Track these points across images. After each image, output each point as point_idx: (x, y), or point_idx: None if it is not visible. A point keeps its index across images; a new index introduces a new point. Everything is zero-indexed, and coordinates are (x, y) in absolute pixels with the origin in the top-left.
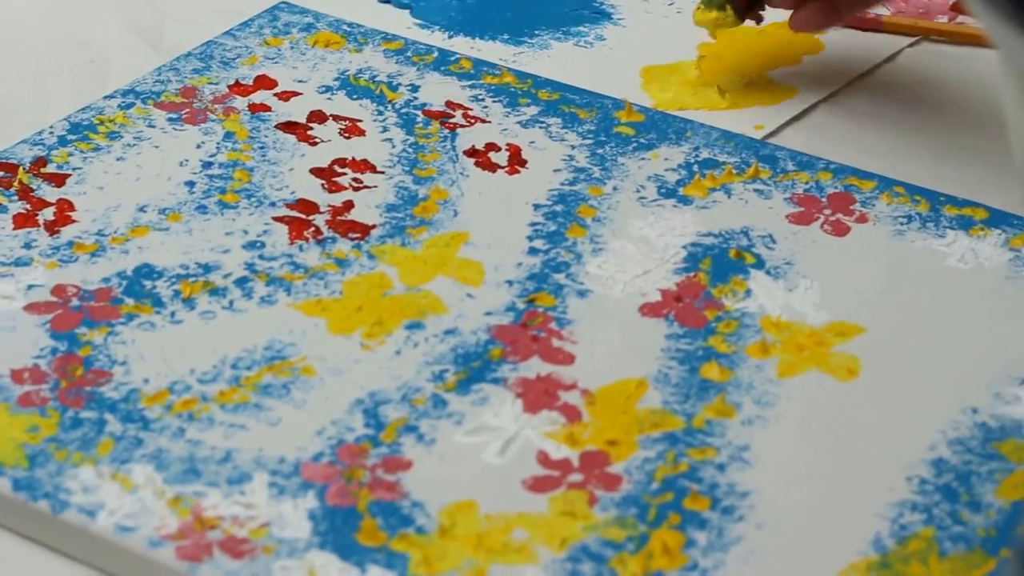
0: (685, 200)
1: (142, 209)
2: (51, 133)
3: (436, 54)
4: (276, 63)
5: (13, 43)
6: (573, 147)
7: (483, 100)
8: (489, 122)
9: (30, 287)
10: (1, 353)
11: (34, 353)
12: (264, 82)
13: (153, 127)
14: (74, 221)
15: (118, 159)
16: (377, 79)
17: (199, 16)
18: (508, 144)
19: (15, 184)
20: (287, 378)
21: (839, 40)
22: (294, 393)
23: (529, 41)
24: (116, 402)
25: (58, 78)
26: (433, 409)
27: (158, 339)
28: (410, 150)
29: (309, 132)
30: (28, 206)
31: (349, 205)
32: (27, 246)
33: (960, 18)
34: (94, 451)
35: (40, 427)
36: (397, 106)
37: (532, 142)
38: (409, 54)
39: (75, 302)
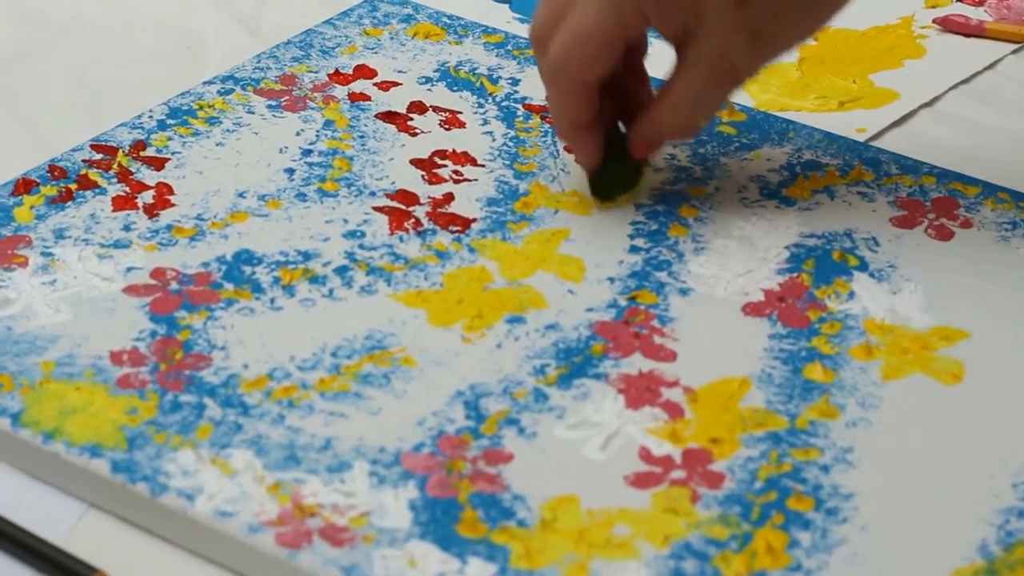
0: (788, 201)
1: (241, 195)
2: (150, 117)
3: None
4: (376, 53)
5: (112, 28)
6: (675, 146)
7: None
8: None
9: (129, 269)
10: (100, 335)
11: (133, 335)
12: (364, 71)
13: (252, 113)
14: (173, 205)
15: (217, 144)
16: (477, 72)
17: (297, 4)
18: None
19: (114, 167)
20: (387, 368)
21: (941, 46)
22: (394, 383)
23: None
24: (215, 387)
25: (156, 63)
26: (534, 403)
27: (257, 325)
28: (511, 144)
29: (409, 123)
30: (127, 189)
31: (449, 197)
32: (126, 228)
33: None
34: (193, 435)
35: (139, 409)
36: (498, 99)
37: None
38: (509, 47)
39: (174, 286)
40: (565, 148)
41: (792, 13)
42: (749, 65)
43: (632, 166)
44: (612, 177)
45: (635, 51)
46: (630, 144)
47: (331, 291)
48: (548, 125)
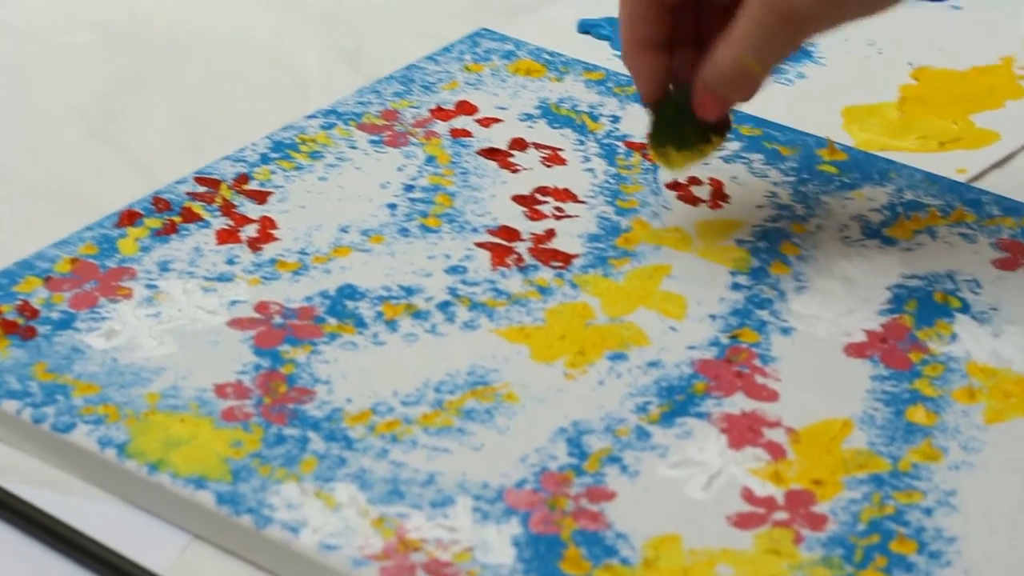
0: (889, 241)
1: (344, 229)
2: (253, 150)
3: None
4: (477, 89)
5: (215, 59)
6: (776, 184)
7: None
8: None
9: (233, 303)
10: (205, 367)
11: (237, 368)
12: (465, 107)
13: (355, 148)
14: (276, 239)
15: (320, 179)
16: (578, 109)
17: (399, 39)
18: (710, 178)
19: (218, 200)
20: (490, 403)
21: None
22: (497, 419)
23: None
24: (319, 420)
25: (258, 95)
26: (637, 441)
27: (361, 359)
28: (612, 181)
29: (510, 159)
30: (231, 222)
31: (551, 233)
32: (230, 262)
33: None
34: (298, 468)
35: (243, 442)
36: (599, 136)
37: (734, 177)
38: (610, 85)
39: (278, 320)
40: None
41: None
42: (808, 18)
43: (696, 126)
44: (670, 127)
45: None
46: (693, 95)
47: (434, 326)
48: (649, 163)
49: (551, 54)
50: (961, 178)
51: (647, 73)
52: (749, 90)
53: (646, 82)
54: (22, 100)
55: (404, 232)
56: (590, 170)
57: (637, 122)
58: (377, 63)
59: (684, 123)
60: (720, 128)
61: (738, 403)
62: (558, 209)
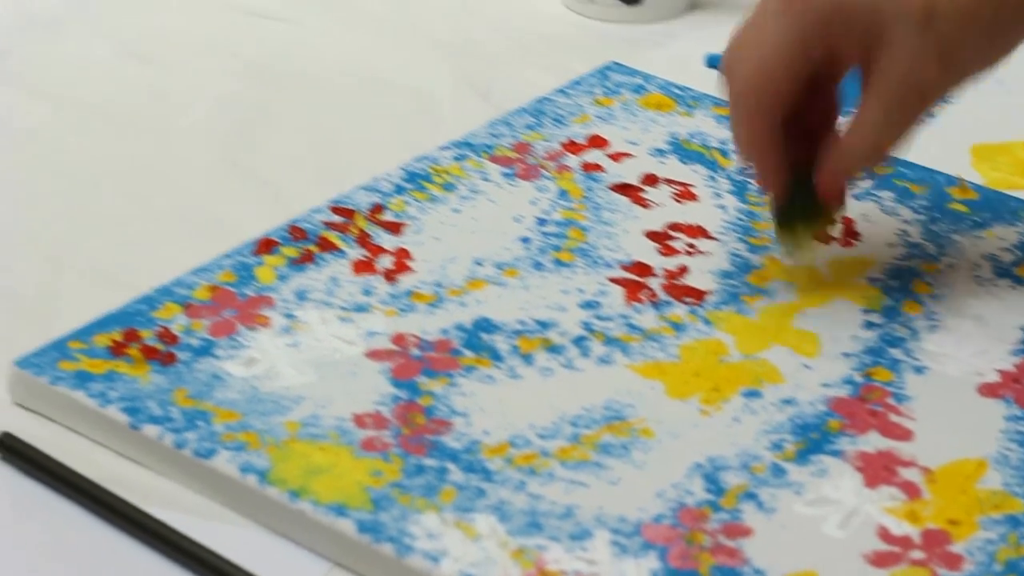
0: (1021, 280)
1: (479, 262)
2: (388, 181)
3: None
4: (607, 123)
5: (346, 89)
6: (906, 222)
7: None
8: None
9: (370, 334)
10: (343, 397)
11: (375, 399)
12: (596, 141)
13: (487, 180)
14: (412, 270)
15: (453, 211)
16: (709, 144)
17: (529, 72)
18: (841, 216)
19: (353, 230)
20: (626, 438)
21: None
22: (633, 454)
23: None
24: (458, 452)
25: (390, 124)
26: (773, 478)
27: (497, 392)
28: (744, 217)
29: (642, 194)
30: (367, 252)
31: (684, 270)
32: (367, 292)
33: None
34: (437, 498)
35: (383, 472)
36: (729, 172)
37: (865, 215)
38: None
39: (415, 351)
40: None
41: (979, 35)
42: (936, 86)
43: (818, 208)
44: (796, 214)
45: (826, 81)
46: (817, 177)
47: (569, 361)
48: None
49: (680, 88)
50: None
51: (771, 169)
52: (879, 162)
53: (772, 177)
54: (160, 129)
55: (538, 266)
56: (722, 206)
57: None
58: (507, 95)
59: (811, 209)
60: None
61: (872, 441)
62: (690, 245)
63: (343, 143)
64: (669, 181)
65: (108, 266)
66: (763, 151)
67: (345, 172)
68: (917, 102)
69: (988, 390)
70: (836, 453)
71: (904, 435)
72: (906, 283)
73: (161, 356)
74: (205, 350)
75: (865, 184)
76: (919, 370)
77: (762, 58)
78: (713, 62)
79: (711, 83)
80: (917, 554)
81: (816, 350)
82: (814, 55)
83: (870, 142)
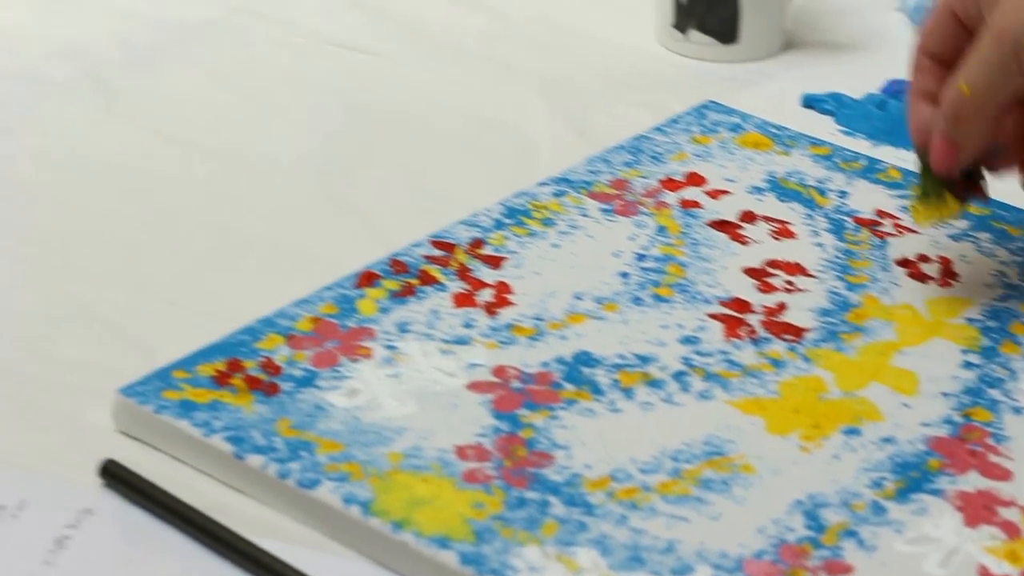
0: None
1: (578, 297)
2: (487, 216)
3: (864, 162)
4: (705, 161)
5: (444, 125)
6: (1004, 263)
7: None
8: (919, 233)
9: (471, 365)
10: (445, 429)
11: (477, 431)
12: (694, 179)
13: (586, 216)
14: (512, 304)
15: (553, 245)
16: (806, 183)
17: (626, 109)
18: (939, 256)
19: (454, 263)
20: (727, 474)
21: None
22: (734, 489)
23: None
24: (559, 485)
25: (488, 160)
26: (873, 516)
27: (598, 426)
28: (841, 256)
29: (740, 231)
30: (467, 286)
31: (782, 307)
32: (467, 325)
33: None
34: (539, 531)
35: (485, 504)
36: (827, 211)
37: (963, 255)
38: (836, 160)
39: (516, 384)
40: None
41: None
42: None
43: (952, 186)
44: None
45: None
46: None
47: (669, 395)
48: (878, 239)
49: (777, 128)
50: None
51: (916, 120)
52: (968, 124)
53: (915, 130)
54: (261, 162)
55: (637, 301)
56: (819, 244)
57: (864, 198)
58: (604, 132)
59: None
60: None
61: (972, 481)
62: (789, 282)
63: (441, 178)
64: (767, 218)
65: (210, 297)
66: (912, 98)
67: (444, 207)
68: (1008, 53)
69: None
70: (936, 492)
71: (1004, 475)
72: (1004, 324)
73: (264, 386)
74: (308, 381)
75: (962, 225)
76: (1018, 411)
77: None
78: (810, 102)
79: (807, 122)
80: None
81: (915, 389)
82: None
83: (954, 91)
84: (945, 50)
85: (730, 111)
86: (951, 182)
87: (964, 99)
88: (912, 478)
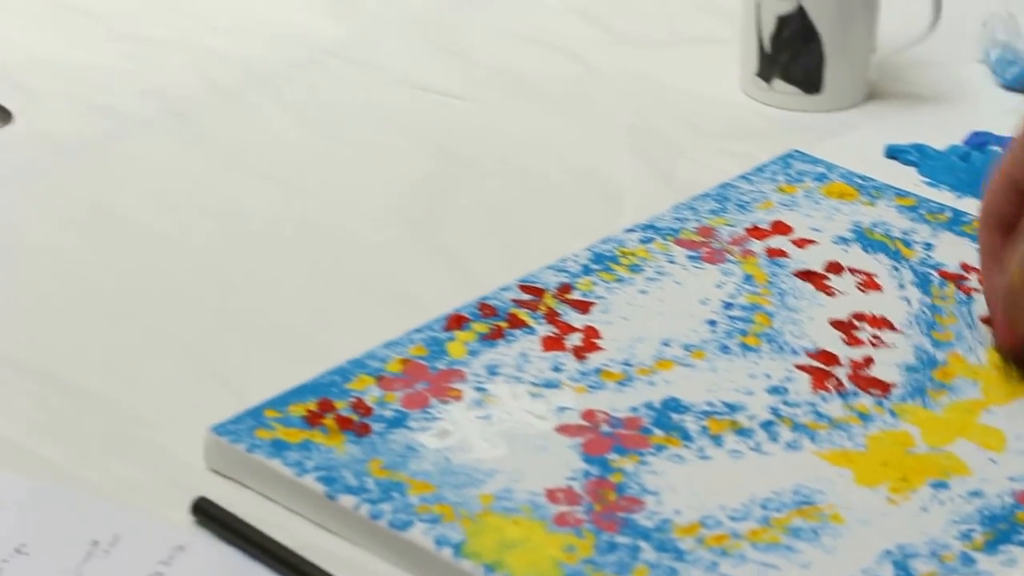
0: None
1: (666, 343)
2: (575, 261)
3: (949, 214)
4: (791, 210)
5: (532, 170)
6: None
7: None
8: None
9: (560, 409)
10: (535, 471)
11: (567, 474)
12: (780, 228)
13: (673, 263)
14: (601, 349)
15: (640, 292)
16: (892, 234)
17: (710, 157)
18: None
19: (542, 308)
20: (816, 523)
21: None
22: (823, 538)
23: None
24: (649, 530)
25: (574, 205)
26: (962, 566)
27: (688, 472)
28: (927, 311)
29: (826, 282)
30: (555, 330)
31: (869, 361)
32: (556, 369)
33: None
34: None
35: (576, 547)
36: (912, 264)
37: None
38: (922, 211)
39: (605, 428)
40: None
41: None
42: None
43: None
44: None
45: None
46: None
47: (758, 444)
48: (963, 294)
49: (862, 178)
50: None
51: (987, 288)
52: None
53: (987, 299)
54: (351, 202)
55: (725, 349)
56: (905, 299)
57: (950, 251)
58: (689, 179)
59: None
60: None
61: None
62: (875, 336)
63: (529, 222)
64: (853, 270)
65: (301, 336)
66: (984, 224)
67: (531, 251)
68: None
69: None
70: None
71: None
72: None
73: (356, 427)
74: (399, 421)
75: None
76: None
77: None
78: (893, 152)
79: (890, 173)
80: None
81: (1002, 446)
82: None
83: (1009, 281)
84: (1007, 214)
85: (815, 161)
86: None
87: (1018, 287)
88: (1001, 530)
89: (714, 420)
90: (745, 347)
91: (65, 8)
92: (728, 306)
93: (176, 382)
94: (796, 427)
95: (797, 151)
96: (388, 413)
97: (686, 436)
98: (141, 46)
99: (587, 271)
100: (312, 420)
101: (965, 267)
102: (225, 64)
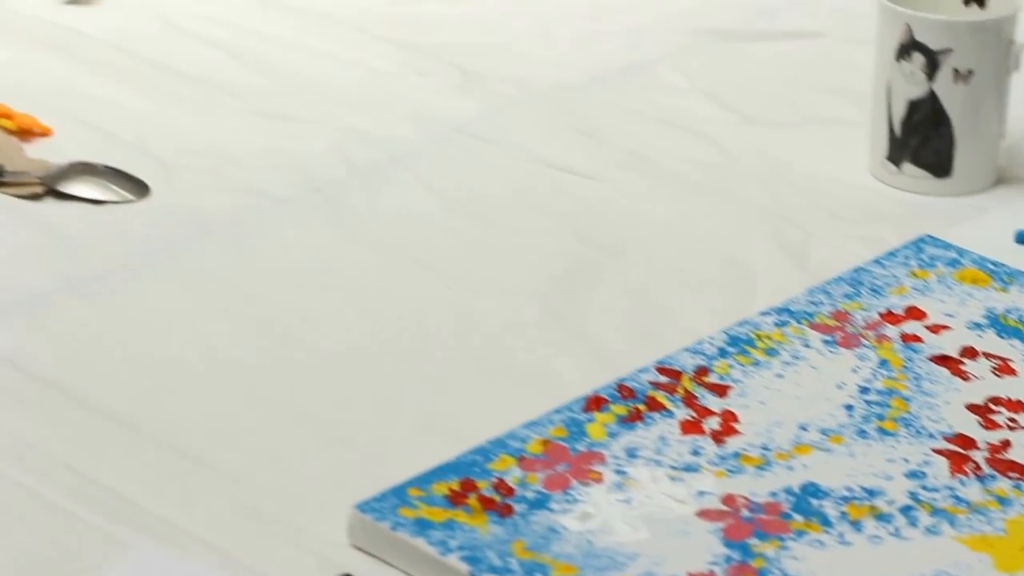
0: None
1: (804, 427)
2: (711, 344)
3: None
4: (924, 295)
5: (665, 252)
6: None
7: None
8: None
9: (700, 493)
10: (676, 556)
11: (708, 559)
12: (914, 313)
13: (808, 347)
14: (738, 433)
15: (777, 376)
16: None
17: (842, 240)
18: None
19: (680, 390)
20: None
21: None
22: None
23: None
24: None
25: (706, 287)
26: None
27: (829, 558)
28: None
29: (961, 367)
30: (694, 413)
31: (1006, 444)
32: (695, 452)
33: None
34: None
35: None
36: None
37: None
38: None
39: (745, 513)
40: None
41: None
42: None
43: None
44: None
45: None
46: None
47: (897, 529)
48: None
49: (994, 264)
50: None
51: None
52: None
53: None
54: (487, 281)
55: (862, 434)
56: None
57: None
58: (822, 263)
59: None
60: None
61: None
62: (1012, 420)
63: (662, 303)
64: (987, 355)
65: (441, 414)
66: None
67: (666, 331)
68: None
69: None
70: None
71: None
72: None
73: (498, 507)
74: (540, 503)
75: None
76: None
77: None
78: (1022, 238)
79: (1021, 258)
80: None
81: None
82: None
83: None
84: None
85: (947, 246)
86: None
87: None
88: None
89: (853, 505)
90: (883, 431)
91: (204, 84)
92: (864, 390)
93: (320, 460)
94: (935, 512)
95: (929, 236)
96: (530, 494)
97: (826, 521)
98: (279, 123)
99: (723, 354)
100: (455, 499)
101: None
102: (364, 142)
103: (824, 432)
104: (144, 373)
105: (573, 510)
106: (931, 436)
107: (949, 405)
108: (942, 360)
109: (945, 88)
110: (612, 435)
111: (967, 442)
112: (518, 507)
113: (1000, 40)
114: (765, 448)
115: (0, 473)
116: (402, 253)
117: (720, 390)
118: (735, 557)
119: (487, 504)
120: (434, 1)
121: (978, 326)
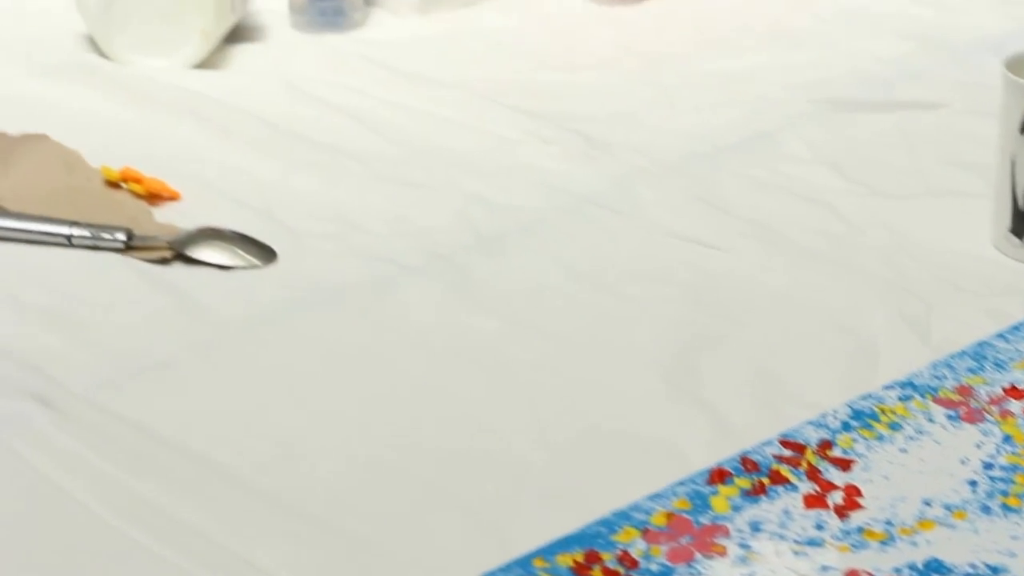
0: None
1: (927, 503)
2: (834, 417)
3: None
4: None
5: (785, 322)
6: None
7: None
8: None
9: (824, 568)
10: None
11: None
12: None
13: (932, 422)
14: (862, 507)
15: (900, 450)
16: None
17: (965, 313)
18: None
19: (803, 464)
20: None
21: None
22: None
23: None
24: None
25: (827, 358)
26: None
27: None
28: None
29: None
30: (817, 488)
31: None
32: (818, 527)
33: None
34: None
35: None
36: None
37: None
38: None
39: None
40: None
41: None
42: None
43: None
44: None
45: None
46: None
47: None
48: None
49: None
50: None
51: None
52: None
53: None
54: (609, 348)
55: (986, 510)
56: None
57: None
58: (945, 336)
59: None
60: None
61: None
62: None
63: (784, 374)
64: None
65: (564, 485)
66: None
67: (787, 403)
68: None
69: None
70: None
71: None
72: None
73: None
74: None
75: None
76: None
77: None
78: None
79: None
80: None
81: None
82: None
83: None
84: None
85: None
86: None
87: None
88: None
89: None
90: (1007, 508)
91: (331, 150)
92: (988, 466)
93: (445, 528)
94: None
95: None
96: (654, 567)
97: None
98: (405, 190)
99: (847, 427)
100: (579, 571)
101: None
102: (489, 210)
103: (948, 508)
104: (269, 438)
105: None
106: None
107: None
108: None
109: None
110: (736, 508)
111: None
112: None
113: None
114: (889, 523)
115: (133, 540)
116: (526, 322)
117: (844, 464)
118: None
119: None
120: (557, 70)
121: None
